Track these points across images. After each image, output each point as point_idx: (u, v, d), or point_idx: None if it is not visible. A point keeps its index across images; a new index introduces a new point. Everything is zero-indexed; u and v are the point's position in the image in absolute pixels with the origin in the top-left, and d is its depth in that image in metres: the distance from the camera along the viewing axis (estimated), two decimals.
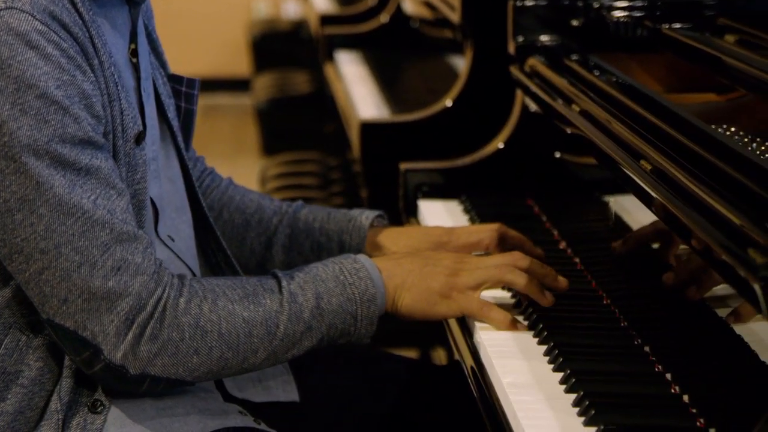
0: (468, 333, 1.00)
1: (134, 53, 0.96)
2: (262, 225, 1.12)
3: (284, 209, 1.12)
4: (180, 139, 1.02)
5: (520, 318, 0.99)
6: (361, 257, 0.97)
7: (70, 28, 0.88)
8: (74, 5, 0.89)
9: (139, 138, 0.93)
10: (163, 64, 1.05)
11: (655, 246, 1.10)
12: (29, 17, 0.86)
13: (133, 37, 0.96)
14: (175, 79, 1.04)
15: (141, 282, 0.88)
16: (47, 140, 0.86)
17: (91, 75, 0.89)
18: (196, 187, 1.04)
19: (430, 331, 1.84)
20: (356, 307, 0.94)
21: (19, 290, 0.91)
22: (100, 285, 0.87)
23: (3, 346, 0.91)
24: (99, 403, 0.92)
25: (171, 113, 1.02)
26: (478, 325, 0.99)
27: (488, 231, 1.09)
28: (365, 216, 1.11)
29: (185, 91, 1.04)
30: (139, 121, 0.94)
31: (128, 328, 0.88)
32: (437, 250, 1.08)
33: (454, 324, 1.04)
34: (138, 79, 0.96)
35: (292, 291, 0.93)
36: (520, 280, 0.98)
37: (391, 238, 1.10)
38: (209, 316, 0.90)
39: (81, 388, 0.92)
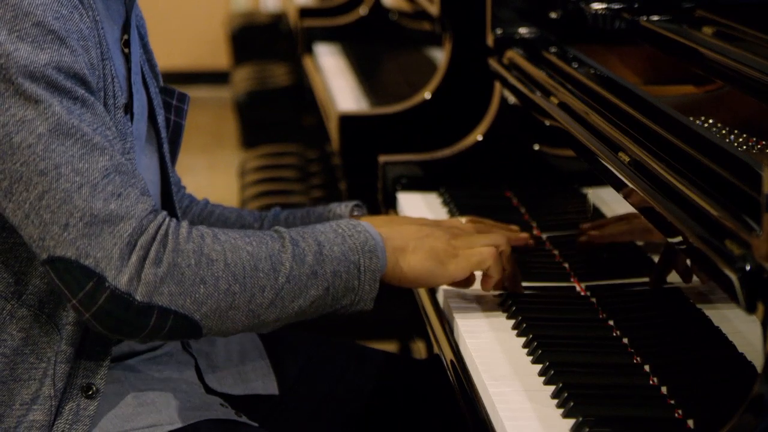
0: (447, 325, 1.00)
1: (126, 44, 0.96)
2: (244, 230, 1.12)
3: (264, 214, 1.13)
4: (166, 149, 1.02)
5: (500, 311, 0.99)
6: (358, 220, 0.96)
7: None
8: None
9: (127, 108, 0.93)
10: (156, 75, 1.05)
11: (631, 237, 1.11)
12: None
13: (126, 29, 0.96)
14: (166, 92, 1.04)
15: (142, 209, 0.87)
16: (44, 64, 0.85)
17: (89, 21, 0.89)
18: (174, 197, 1.03)
19: (410, 323, 1.84)
20: (359, 257, 0.92)
21: (5, 257, 0.90)
22: (102, 207, 0.85)
23: None
24: (92, 386, 0.90)
25: (161, 122, 1.02)
26: (457, 317, 0.99)
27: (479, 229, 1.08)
28: (344, 205, 1.10)
29: (175, 104, 1.03)
30: (126, 94, 0.94)
31: (131, 251, 0.86)
32: None
33: (433, 316, 1.04)
34: (129, 70, 0.96)
35: (293, 237, 0.92)
36: (495, 270, 0.97)
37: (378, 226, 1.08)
38: (213, 245, 0.88)
39: (75, 371, 0.91)
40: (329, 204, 1.12)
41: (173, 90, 1.04)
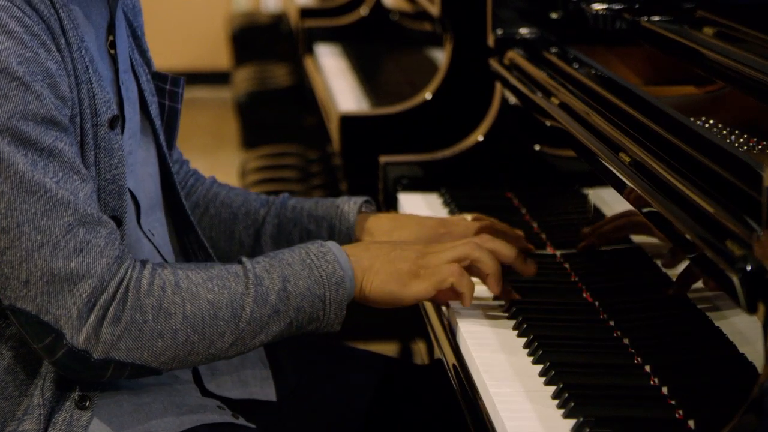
0: (448, 326, 1.00)
1: (112, 45, 0.95)
2: (250, 217, 1.10)
3: (271, 201, 1.11)
4: (162, 137, 1.01)
5: (499, 311, 0.99)
6: (329, 243, 0.95)
7: (35, 5, 0.87)
8: None
9: (114, 122, 0.92)
10: (147, 62, 1.03)
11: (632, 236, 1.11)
12: None
13: (111, 29, 0.95)
14: (159, 77, 1.03)
15: (104, 264, 0.87)
16: (8, 116, 0.84)
17: (57, 54, 0.88)
18: (178, 186, 1.02)
19: (410, 324, 1.84)
20: (324, 290, 0.93)
21: None
22: (63, 266, 0.86)
23: None
24: (86, 398, 0.91)
25: (153, 111, 1.00)
26: (458, 319, 0.99)
27: (483, 226, 1.08)
28: (353, 201, 1.09)
29: (169, 89, 1.02)
30: (114, 107, 0.93)
31: (90, 310, 0.86)
32: (433, 242, 1.05)
33: (434, 317, 1.04)
34: (116, 71, 0.95)
35: (257, 274, 0.92)
36: (486, 260, 0.96)
37: (385, 229, 1.08)
38: (172, 298, 0.89)
39: (67, 383, 0.91)
40: (338, 198, 1.10)
41: (166, 75, 1.02)
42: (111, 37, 0.95)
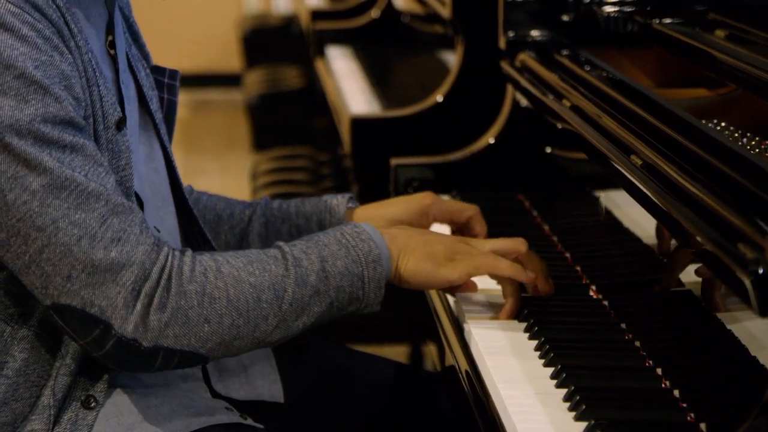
0: (459, 328, 1.00)
1: (111, 45, 0.95)
2: (235, 218, 1.12)
3: (254, 203, 1.13)
4: (163, 131, 1.02)
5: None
6: (362, 223, 0.96)
7: (43, 10, 0.88)
8: None
9: (120, 124, 0.93)
10: (145, 56, 1.04)
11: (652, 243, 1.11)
12: (1, 0, 0.85)
13: (110, 29, 0.96)
14: (157, 71, 1.03)
15: (143, 251, 0.87)
16: (29, 120, 0.85)
17: (69, 56, 0.88)
18: (180, 179, 1.03)
19: (421, 326, 1.84)
20: (362, 269, 0.93)
21: (5, 282, 0.90)
22: (103, 256, 0.85)
23: None
24: (92, 399, 0.91)
25: (154, 105, 1.01)
26: (469, 320, 0.99)
27: (468, 204, 1.09)
28: (340, 196, 1.11)
29: (168, 82, 1.03)
30: (119, 109, 0.93)
31: (136, 299, 0.86)
32: (422, 217, 1.08)
33: (445, 319, 1.04)
34: (116, 71, 0.95)
35: (296, 256, 0.92)
36: (508, 286, 0.96)
37: (374, 211, 1.09)
38: (215, 282, 0.89)
39: (76, 384, 0.91)
40: (322, 196, 1.12)
41: (164, 68, 1.03)
42: (110, 37, 0.95)
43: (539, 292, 0.99)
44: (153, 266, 0.87)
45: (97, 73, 0.91)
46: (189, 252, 0.91)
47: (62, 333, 0.91)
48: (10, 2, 0.85)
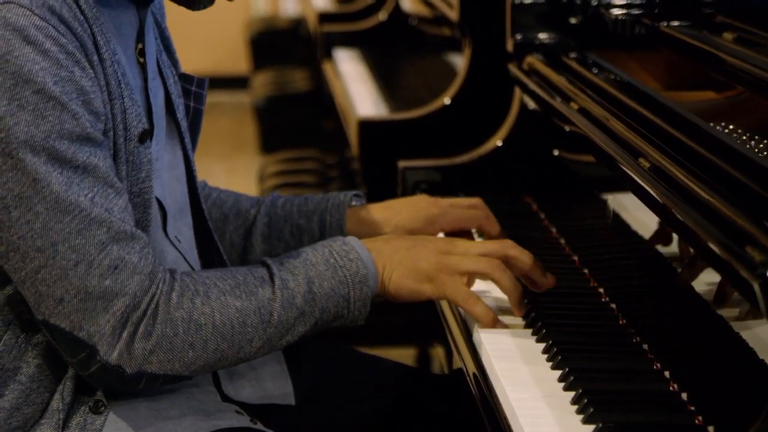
0: (467, 331, 1.00)
1: (141, 53, 0.95)
2: (240, 217, 1.12)
3: (261, 200, 1.12)
4: (187, 139, 1.02)
5: (519, 317, 0.99)
6: (350, 239, 0.96)
7: (69, 23, 0.87)
8: (76, 1, 0.88)
9: (144, 136, 0.93)
10: (174, 62, 1.04)
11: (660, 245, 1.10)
12: (27, 12, 0.85)
13: (141, 37, 0.96)
14: (185, 78, 1.03)
15: (137, 281, 0.88)
16: (44, 136, 0.85)
17: (90, 71, 0.88)
18: (198, 189, 1.03)
19: (429, 328, 1.84)
20: (348, 290, 0.93)
21: (18, 288, 0.90)
22: (97, 284, 0.86)
23: (2, 342, 0.91)
24: (100, 403, 0.92)
25: (180, 113, 1.01)
26: (477, 324, 0.98)
27: (478, 211, 1.09)
28: (343, 195, 1.11)
29: (195, 90, 1.03)
30: (144, 120, 0.93)
31: (123, 327, 0.87)
32: (429, 226, 1.07)
33: (452, 321, 1.04)
34: (145, 79, 0.96)
35: (283, 278, 0.93)
36: (505, 282, 0.96)
37: (378, 217, 1.09)
38: (202, 309, 0.90)
39: (84, 388, 0.92)
40: (328, 193, 1.12)
41: (192, 76, 1.03)
42: (140, 45, 0.95)
43: (540, 288, 0.99)
44: (144, 296, 0.88)
45: (122, 85, 0.91)
46: (178, 276, 0.91)
47: None
48: (35, 14, 0.85)
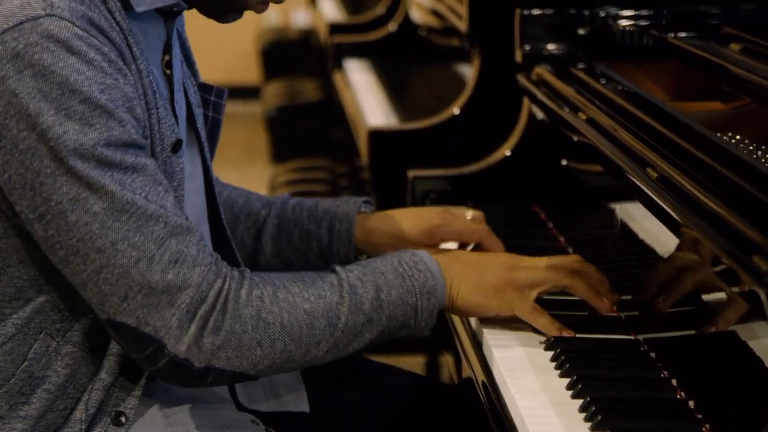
0: (476, 339, 1.01)
1: (168, 65, 0.96)
2: (251, 218, 1.12)
3: (271, 201, 1.13)
4: (207, 151, 1.03)
5: (526, 325, 0.99)
6: (420, 252, 0.97)
7: (108, 33, 0.88)
8: (111, 13, 0.90)
9: (176, 146, 0.93)
10: (194, 73, 1.05)
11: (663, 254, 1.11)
12: (69, 24, 0.85)
13: (167, 49, 0.96)
14: (204, 88, 1.04)
15: (199, 273, 0.88)
16: (93, 144, 0.85)
17: (131, 78, 0.89)
18: (217, 198, 1.04)
19: (438, 337, 1.84)
20: (416, 299, 0.94)
21: (53, 297, 0.91)
22: (159, 279, 0.86)
23: (32, 350, 0.91)
24: (122, 415, 0.92)
25: (200, 123, 1.02)
26: (485, 331, 0.99)
27: (481, 226, 1.09)
28: (353, 201, 1.11)
29: (214, 100, 1.04)
30: (177, 130, 0.94)
31: (190, 321, 0.87)
32: (429, 237, 1.08)
33: (462, 332, 1.05)
34: (171, 90, 0.96)
35: (351, 283, 0.93)
36: (579, 285, 0.97)
37: (384, 225, 1.10)
38: (271, 307, 0.89)
39: (108, 399, 0.93)
40: (338, 198, 1.13)
41: (211, 86, 1.04)
42: (167, 57, 0.96)
43: (600, 307, 0.98)
44: (210, 289, 0.88)
45: (157, 95, 0.92)
46: (247, 273, 0.91)
47: (103, 350, 0.92)
48: (77, 26, 0.86)
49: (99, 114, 0.86)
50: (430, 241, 1.09)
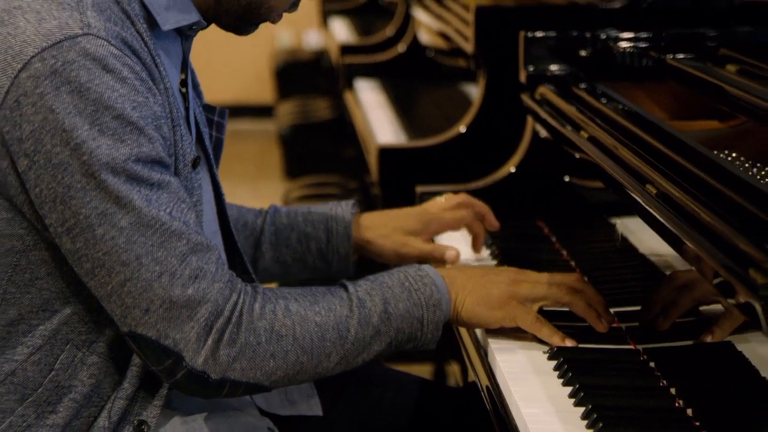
0: (482, 351, 1.03)
1: (183, 83, 0.99)
2: (248, 228, 1.15)
3: (263, 211, 1.16)
4: (216, 169, 1.05)
5: (530, 335, 1.01)
6: (425, 266, 0.99)
7: (139, 54, 0.91)
8: (140, 34, 0.92)
9: (195, 162, 0.96)
10: (199, 94, 1.08)
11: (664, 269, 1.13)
12: (105, 42, 0.88)
13: (184, 68, 0.99)
14: (208, 109, 1.07)
15: (218, 289, 0.90)
16: (124, 159, 0.88)
17: (159, 98, 0.92)
18: (227, 213, 1.07)
19: (445, 346, 1.86)
20: (422, 312, 0.96)
21: (79, 309, 0.93)
22: (180, 293, 0.89)
23: (59, 361, 0.93)
24: (144, 424, 0.94)
25: (207, 141, 1.05)
26: (490, 340, 1.01)
27: (463, 208, 1.15)
28: (345, 203, 1.16)
29: (217, 120, 1.06)
30: (195, 147, 0.97)
31: (208, 334, 0.89)
32: (423, 226, 1.13)
33: (467, 340, 1.07)
34: (186, 108, 0.99)
35: (360, 297, 0.95)
36: (579, 302, 0.99)
37: (377, 221, 1.14)
38: (283, 320, 0.92)
39: (131, 408, 0.95)
40: (327, 203, 1.17)
41: (214, 107, 1.06)
42: (183, 76, 0.98)
43: (598, 326, 1.00)
44: (226, 303, 0.90)
45: (179, 114, 0.94)
46: (260, 288, 0.94)
47: (126, 361, 0.95)
48: (112, 45, 0.88)
49: (131, 130, 0.88)
50: (425, 232, 1.15)
